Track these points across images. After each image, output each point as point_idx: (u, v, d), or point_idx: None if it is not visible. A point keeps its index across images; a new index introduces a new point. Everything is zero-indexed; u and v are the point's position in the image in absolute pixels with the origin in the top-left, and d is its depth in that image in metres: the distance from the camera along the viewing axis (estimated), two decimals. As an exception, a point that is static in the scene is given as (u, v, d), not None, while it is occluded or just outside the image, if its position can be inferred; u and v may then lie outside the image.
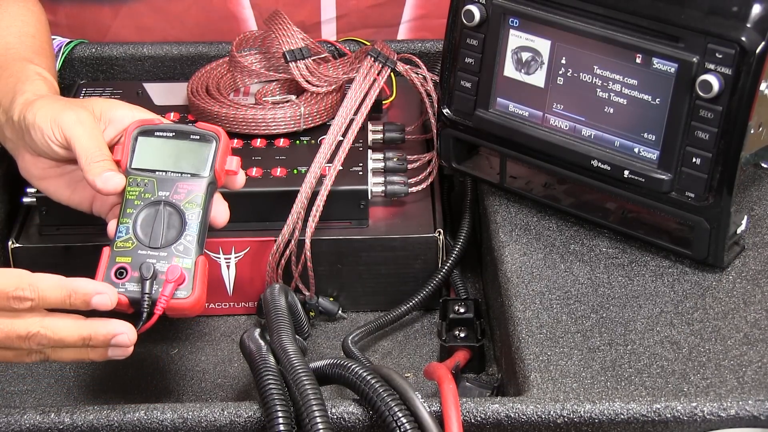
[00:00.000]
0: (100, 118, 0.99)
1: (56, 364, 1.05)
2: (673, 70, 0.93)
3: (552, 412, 0.84)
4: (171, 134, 0.96)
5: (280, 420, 0.80)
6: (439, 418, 0.82)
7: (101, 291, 0.87)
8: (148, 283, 0.91)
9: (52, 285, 0.86)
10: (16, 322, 0.85)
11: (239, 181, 0.99)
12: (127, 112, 0.99)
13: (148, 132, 0.97)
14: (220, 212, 0.98)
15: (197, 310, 0.93)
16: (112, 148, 0.97)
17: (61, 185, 1.01)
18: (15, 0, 1.19)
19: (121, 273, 0.92)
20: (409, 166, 1.14)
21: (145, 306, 0.90)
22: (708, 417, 0.84)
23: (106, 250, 0.93)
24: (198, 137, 0.96)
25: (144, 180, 0.95)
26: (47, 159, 0.99)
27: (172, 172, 0.95)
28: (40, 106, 0.99)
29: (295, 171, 1.11)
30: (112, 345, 0.87)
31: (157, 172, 0.95)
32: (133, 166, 0.95)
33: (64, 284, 0.86)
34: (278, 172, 1.10)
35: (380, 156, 1.14)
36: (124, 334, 0.87)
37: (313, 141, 1.15)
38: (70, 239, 1.08)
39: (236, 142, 1.15)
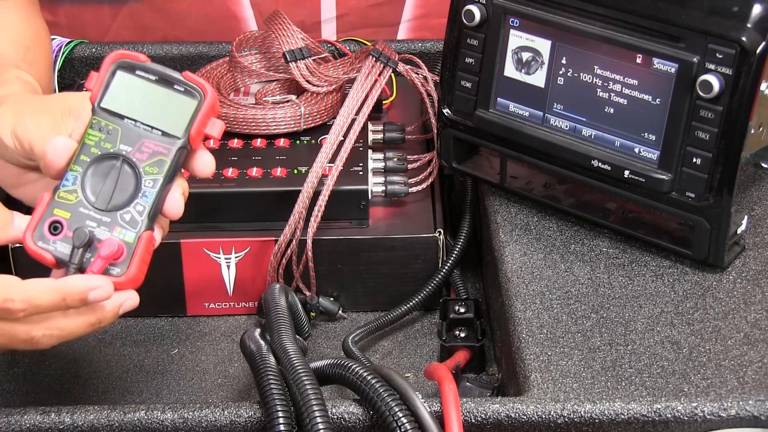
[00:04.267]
0: (70, 114, 0.88)
1: (56, 363, 1.05)
2: (673, 70, 0.93)
3: (552, 412, 0.84)
4: (153, 78, 0.84)
5: (281, 420, 0.80)
6: (440, 418, 0.82)
7: (95, 285, 0.81)
8: (78, 252, 0.82)
9: (43, 291, 0.80)
10: None
11: (205, 163, 0.86)
12: None
13: (128, 68, 0.84)
14: (174, 202, 0.85)
15: (131, 288, 0.84)
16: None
17: (39, 191, 0.88)
18: (16, 10, 1.17)
19: (55, 227, 0.83)
20: (410, 166, 1.14)
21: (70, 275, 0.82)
22: (708, 417, 0.84)
23: (45, 196, 0.83)
24: (182, 89, 0.84)
25: (108, 126, 0.83)
26: (19, 167, 0.91)
27: (142, 123, 0.83)
28: (2, 114, 0.90)
29: (296, 171, 1.11)
30: (89, 302, 0.81)
31: (125, 120, 0.83)
32: (102, 105, 0.84)
33: (56, 287, 0.80)
34: (278, 172, 1.10)
35: (380, 156, 1.14)
36: (102, 288, 0.81)
37: (313, 141, 1.15)
38: (70, 239, 1.08)
39: (236, 142, 1.15)
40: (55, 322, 0.81)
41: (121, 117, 0.83)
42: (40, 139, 0.86)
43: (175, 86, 0.84)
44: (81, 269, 0.82)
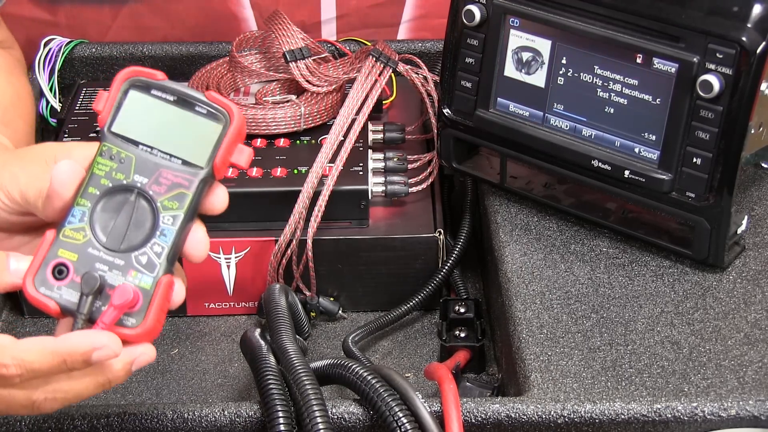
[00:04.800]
0: (55, 161, 0.77)
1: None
2: (673, 70, 0.93)
3: (552, 412, 0.84)
4: (171, 98, 0.73)
5: (281, 420, 0.80)
6: (440, 418, 0.82)
7: (100, 344, 0.70)
8: (87, 300, 0.71)
9: (40, 353, 0.70)
10: None
11: (219, 200, 0.75)
12: (86, 152, 0.76)
13: (143, 87, 0.73)
14: (197, 241, 0.75)
15: (148, 341, 0.73)
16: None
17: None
18: None
19: (60, 271, 0.72)
20: (410, 166, 1.14)
21: (78, 327, 0.71)
22: (708, 417, 0.84)
23: (49, 235, 0.72)
24: (205, 111, 0.73)
25: (121, 153, 0.72)
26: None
27: (159, 151, 0.73)
28: None
29: (296, 171, 1.10)
30: (94, 363, 0.71)
31: (140, 146, 0.73)
32: (113, 129, 0.73)
33: (54, 349, 0.70)
34: (278, 172, 1.10)
35: (380, 156, 1.14)
36: (107, 347, 0.70)
37: (313, 141, 1.15)
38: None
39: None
40: (57, 385, 0.72)
41: (136, 143, 0.73)
42: (33, 185, 0.76)
43: (197, 108, 0.73)
44: (91, 319, 0.71)
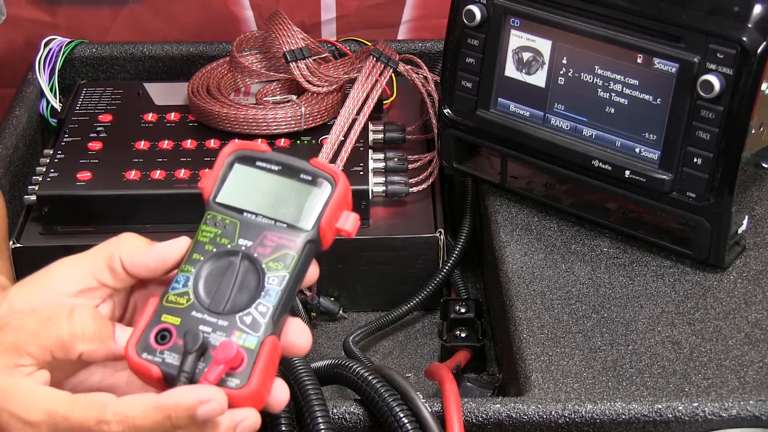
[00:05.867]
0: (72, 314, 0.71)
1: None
2: (674, 70, 0.93)
3: (553, 413, 0.84)
4: (276, 168, 0.74)
5: (282, 420, 0.80)
6: (441, 419, 0.82)
7: (206, 398, 0.66)
8: (190, 358, 0.68)
9: (143, 409, 0.66)
10: None
11: (312, 274, 0.74)
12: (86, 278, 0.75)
13: (247, 159, 0.74)
14: (299, 333, 0.72)
15: (253, 405, 0.69)
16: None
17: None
18: None
19: (163, 336, 0.70)
20: (410, 166, 1.14)
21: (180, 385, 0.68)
22: (709, 417, 0.84)
23: (152, 302, 0.71)
24: (309, 178, 0.73)
25: (226, 220, 0.72)
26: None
27: (264, 216, 0.72)
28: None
29: (296, 171, 1.10)
30: (199, 419, 0.66)
31: (244, 214, 0.73)
32: (218, 200, 0.73)
33: (159, 404, 0.66)
34: (279, 172, 1.10)
35: (381, 156, 1.14)
36: (213, 400, 0.66)
37: (313, 141, 1.15)
38: (71, 239, 1.07)
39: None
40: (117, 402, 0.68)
41: (240, 211, 0.73)
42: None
43: (302, 176, 0.73)
44: (192, 381, 0.68)
